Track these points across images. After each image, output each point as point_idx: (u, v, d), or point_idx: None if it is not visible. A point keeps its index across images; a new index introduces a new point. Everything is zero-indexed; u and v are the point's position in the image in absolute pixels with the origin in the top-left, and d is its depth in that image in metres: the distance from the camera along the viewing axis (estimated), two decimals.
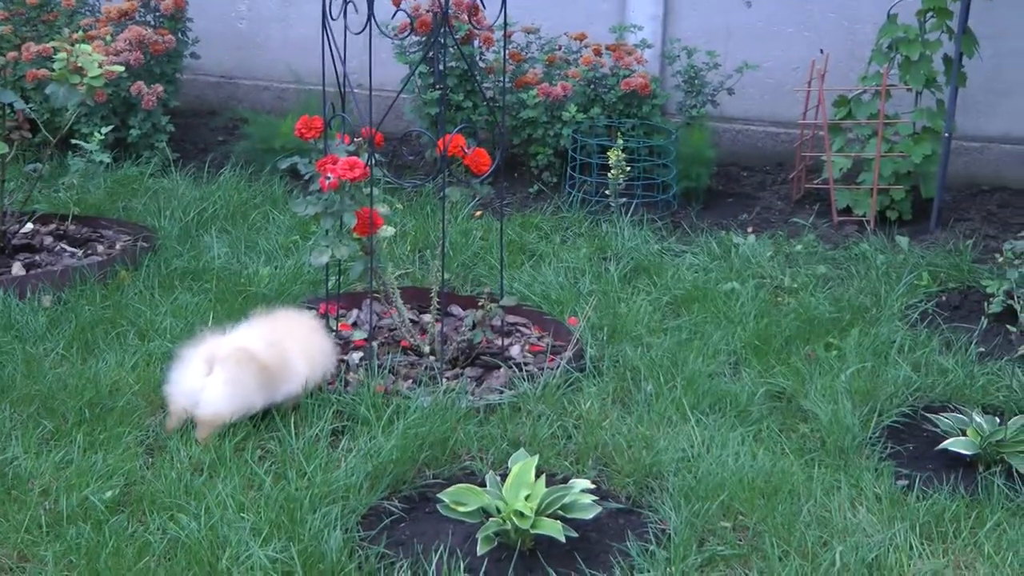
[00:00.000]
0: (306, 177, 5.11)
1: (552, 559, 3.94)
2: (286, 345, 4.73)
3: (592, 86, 7.38)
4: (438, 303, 5.25)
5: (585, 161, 7.04)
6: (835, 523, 4.15)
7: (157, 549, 3.94)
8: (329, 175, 4.88)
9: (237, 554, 3.88)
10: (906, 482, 4.40)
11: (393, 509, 4.23)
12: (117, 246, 6.21)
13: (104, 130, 6.48)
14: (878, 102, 6.91)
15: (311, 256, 5.02)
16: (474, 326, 5.15)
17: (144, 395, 4.84)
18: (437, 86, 7.37)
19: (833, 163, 6.96)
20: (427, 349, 5.24)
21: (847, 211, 6.98)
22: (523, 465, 4.13)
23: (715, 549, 4.00)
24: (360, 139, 5.09)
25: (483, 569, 3.90)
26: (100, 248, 6.21)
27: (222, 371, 4.57)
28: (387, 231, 5.06)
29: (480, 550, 3.95)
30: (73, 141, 6.58)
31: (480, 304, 5.15)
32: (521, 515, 3.95)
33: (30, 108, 6.53)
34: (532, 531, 3.95)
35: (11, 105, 5.94)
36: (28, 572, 3.88)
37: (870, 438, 4.65)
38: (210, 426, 4.54)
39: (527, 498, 4.02)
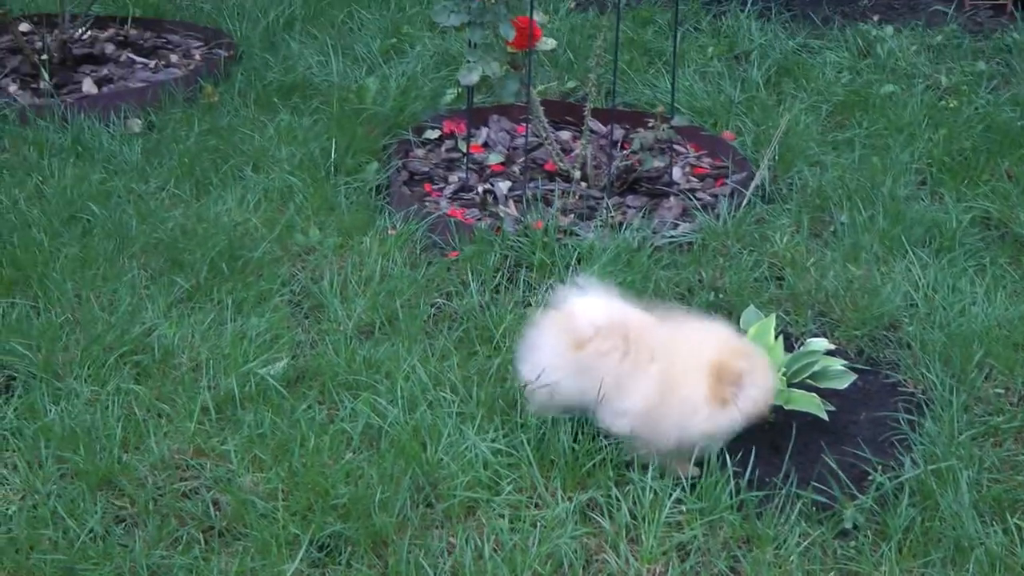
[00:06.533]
0: None
1: (800, 435, 3.42)
2: None
3: None
4: (589, 121, 4.65)
5: None
6: None
7: (355, 439, 3.40)
8: None
9: (452, 443, 3.35)
10: None
11: None
12: (196, 56, 5.49)
13: None
14: None
15: (460, 75, 4.38)
16: (641, 149, 4.55)
17: (279, 241, 4.24)
18: None
19: None
20: (577, 174, 4.65)
21: None
22: (761, 326, 3.60)
23: (990, 420, 3.51)
24: None
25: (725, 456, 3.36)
26: (174, 58, 5.49)
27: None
28: (548, 43, 4.41)
29: None
30: None
31: (651, 124, 4.54)
32: None
33: None
34: (785, 407, 3.45)
35: None
36: (209, 471, 3.32)
37: None
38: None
39: None
